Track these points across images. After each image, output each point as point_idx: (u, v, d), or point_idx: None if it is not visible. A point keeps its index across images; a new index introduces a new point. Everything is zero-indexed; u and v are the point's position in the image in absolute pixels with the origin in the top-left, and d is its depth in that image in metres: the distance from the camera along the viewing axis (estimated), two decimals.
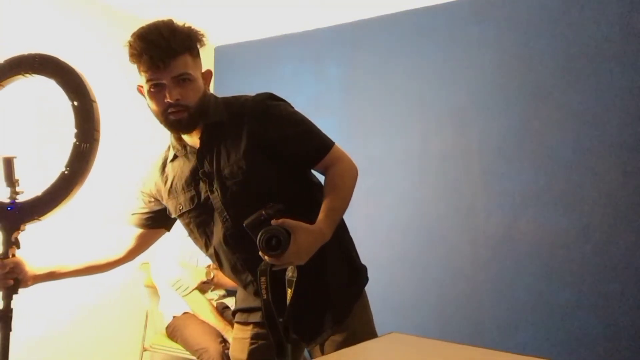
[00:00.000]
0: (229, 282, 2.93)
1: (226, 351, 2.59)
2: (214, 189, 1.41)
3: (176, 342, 2.72)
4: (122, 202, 2.88)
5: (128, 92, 2.97)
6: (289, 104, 1.48)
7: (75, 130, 1.50)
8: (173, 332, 2.72)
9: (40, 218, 1.53)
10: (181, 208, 1.48)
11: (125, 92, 2.96)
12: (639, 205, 2.25)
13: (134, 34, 1.36)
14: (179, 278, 2.69)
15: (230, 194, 1.40)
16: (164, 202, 1.55)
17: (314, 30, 3.14)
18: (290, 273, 1.28)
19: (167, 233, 2.92)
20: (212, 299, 2.83)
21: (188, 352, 2.64)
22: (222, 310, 2.83)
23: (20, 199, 1.53)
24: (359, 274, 1.54)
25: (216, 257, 1.49)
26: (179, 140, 1.50)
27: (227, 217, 1.41)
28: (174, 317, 2.74)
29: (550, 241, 2.42)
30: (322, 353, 1.43)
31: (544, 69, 2.49)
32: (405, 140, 2.80)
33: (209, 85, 1.44)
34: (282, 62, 3.26)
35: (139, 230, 1.64)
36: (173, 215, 1.54)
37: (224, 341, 2.62)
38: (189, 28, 1.40)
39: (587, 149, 2.37)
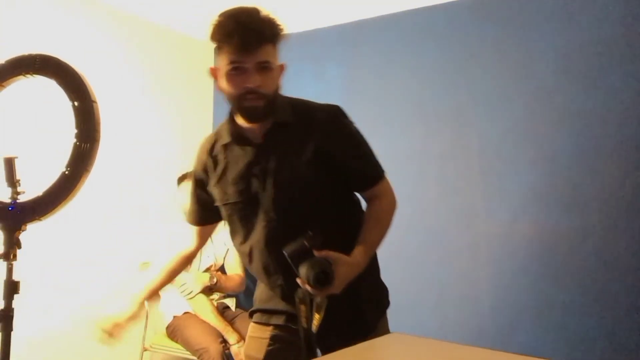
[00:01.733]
0: (231, 287, 2.93)
1: (226, 351, 2.59)
2: (267, 188, 1.41)
3: (176, 342, 2.72)
4: (122, 202, 2.89)
5: (128, 92, 2.97)
6: (354, 123, 1.51)
7: (75, 131, 1.50)
8: (173, 332, 2.72)
9: (41, 218, 1.53)
10: (227, 199, 1.46)
11: (125, 92, 2.96)
12: (639, 205, 2.25)
13: (224, 14, 1.35)
14: (184, 282, 2.70)
15: (283, 196, 1.40)
16: (210, 188, 1.52)
17: (314, 30, 3.14)
18: (319, 298, 1.29)
19: (169, 232, 2.94)
20: (213, 299, 2.83)
21: (188, 352, 2.65)
22: (222, 310, 2.83)
23: (21, 199, 1.53)
24: (384, 292, 1.58)
25: (249, 254, 1.48)
26: (237, 128, 1.45)
27: (274, 218, 1.41)
28: (174, 317, 2.74)
29: (550, 241, 2.42)
30: None
31: (544, 69, 2.49)
32: (406, 140, 2.80)
33: (280, 80, 1.44)
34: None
35: (198, 227, 1.66)
36: (217, 204, 1.51)
37: (224, 341, 2.62)
38: (276, 19, 1.39)
39: (587, 149, 2.37)
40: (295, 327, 1.43)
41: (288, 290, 1.37)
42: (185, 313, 2.72)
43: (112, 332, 1.56)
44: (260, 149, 1.42)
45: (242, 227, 1.47)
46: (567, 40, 2.44)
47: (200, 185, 1.55)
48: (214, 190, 1.50)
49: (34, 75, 1.57)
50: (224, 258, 3.00)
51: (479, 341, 2.51)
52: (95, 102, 1.53)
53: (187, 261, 1.78)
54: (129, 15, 2.98)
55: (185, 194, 2.89)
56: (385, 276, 3.06)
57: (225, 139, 1.47)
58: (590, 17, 2.39)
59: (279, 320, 1.50)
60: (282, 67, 1.44)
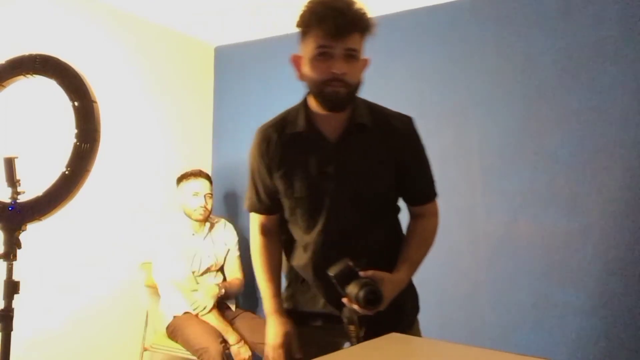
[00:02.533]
0: (234, 293, 2.95)
1: (227, 351, 2.59)
2: (339, 188, 1.40)
3: (176, 342, 2.72)
4: (122, 202, 2.89)
5: (128, 93, 2.98)
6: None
7: (75, 131, 1.50)
8: (173, 332, 2.72)
9: (41, 218, 1.53)
10: (294, 193, 1.44)
11: (125, 93, 2.96)
12: (639, 206, 2.25)
13: (316, 0, 1.34)
14: (196, 299, 2.70)
15: (353, 199, 1.41)
16: (273, 177, 1.47)
17: None
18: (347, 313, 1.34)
19: (174, 231, 2.94)
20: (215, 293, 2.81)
21: (188, 352, 2.64)
22: (222, 310, 2.83)
23: (22, 199, 1.53)
24: (417, 296, 1.59)
25: (304, 248, 1.47)
26: (310, 121, 1.43)
27: (337, 218, 1.42)
28: (174, 317, 2.74)
29: (550, 241, 2.42)
30: None
31: (544, 69, 2.49)
32: None
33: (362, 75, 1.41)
34: (282, 62, 3.25)
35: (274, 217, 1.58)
36: (280, 196, 1.48)
37: (224, 341, 2.62)
38: (368, 12, 1.36)
39: (587, 149, 2.37)
40: (331, 328, 1.46)
41: (333, 293, 1.36)
42: (185, 313, 2.72)
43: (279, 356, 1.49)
44: (335, 147, 1.41)
45: (305, 221, 1.45)
46: (567, 40, 2.43)
47: (268, 174, 1.48)
48: (277, 181, 1.46)
49: (34, 75, 1.57)
50: (225, 258, 3.00)
51: (479, 341, 2.52)
52: (95, 102, 1.53)
53: (280, 250, 1.61)
54: (129, 15, 2.98)
55: (184, 193, 2.90)
56: None
57: (299, 127, 1.44)
58: (590, 17, 2.39)
59: (316, 321, 1.51)
60: (365, 62, 1.41)
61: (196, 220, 2.88)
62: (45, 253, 2.51)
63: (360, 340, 1.30)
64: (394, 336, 1.23)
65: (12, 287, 1.50)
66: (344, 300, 1.30)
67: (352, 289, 1.26)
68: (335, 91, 1.32)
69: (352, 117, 1.41)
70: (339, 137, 1.41)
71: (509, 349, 1.37)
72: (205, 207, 2.85)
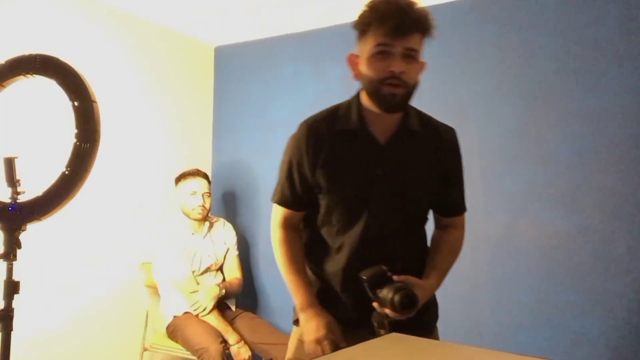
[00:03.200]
0: (234, 293, 2.95)
1: (226, 351, 2.59)
2: (384, 191, 1.39)
3: (176, 342, 2.72)
4: (122, 202, 2.89)
5: (128, 93, 2.97)
6: None
7: (75, 131, 1.50)
8: (173, 332, 2.73)
9: (41, 218, 1.53)
10: (336, 190, 1.41)
11: (125, 93, 2.96)
12: (639, 205, 2.25)
13: None
14: (196, 300, 2.70)
15: (398, 204, 1.41)
16: (316, 173, 1.42)
17: (314, 30, 3.14)
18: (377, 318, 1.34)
19: (174, 231, 2.94)
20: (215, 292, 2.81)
21: (188, 352, 2.65)
22: (222, 310, 2.83)
23: (22, 199, 1.54)
24: (436, 300, 1.58)
25: (338, 248, 1.44)
26: (362, 119, 1.41)
27: (379, 222, 1.40)
28: (174, 316, 2.75)
29: (550, 241, 2.42)
30: None
31: (544, 69, 2.49)
32: None
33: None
34: (282, 62, 3.26)
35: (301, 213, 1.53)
36: (320, 191, 1.44)
37: (224, 341, 2.62)
38: (430, 13, 1.35)
39: (587, 149, 2.37)
40: (353, 333, 1.41)
41: (361, 298, 1.34)
42: (185, 313, 2.72)
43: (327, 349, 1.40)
44: (384, 149, 1.39)
45: (341, 220, 1.42)
46: (567, 40, 2.43)
47: (311, 169, 1.43)
48: (320, 177, 1.42)
49: (34, 75, 1.57)
50: (224, 257, 3.01)
51: (479, 341, 2.52)
52: (95, 102, 1.53)
53: (301, 243, 1.55)
54: (129, 15, 2.98)
55: (182, 193, 2.90)
56: None
57: (350, 125, 1.41)
58: (590, 17, 2.39)
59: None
60: (423, 65, 1.38)
61: (195, 220, 2.88)
62: (45, 253, 2.51)
63: None
64: (394, 336, 1.23)
65: (12, 287, 1.50)
66: (375, 304, 1.29)
67: (386, 293, 1.26)
68: (392, 92, 1.30)
69: (404, 121, 1.40)
70: (388, 139, 1.40)
71: (509, 349, 1.37)
72: (203, 206, 2.85)
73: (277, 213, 1.53)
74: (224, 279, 2.97)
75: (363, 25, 1.35)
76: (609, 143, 2.33)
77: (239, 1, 2.82)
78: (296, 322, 1.58)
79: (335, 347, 1.38)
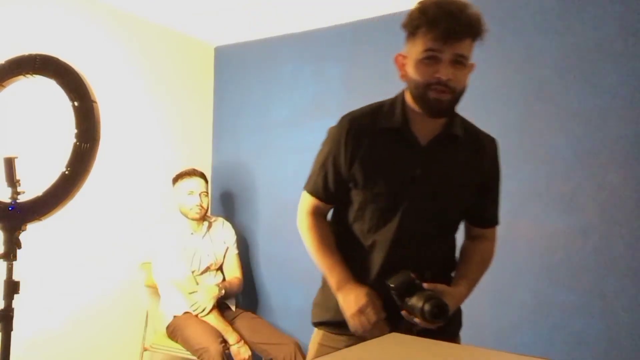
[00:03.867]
0: (234, 292, 2.95)
1: (226, 351, 2.59)
2: (421, 193, 1.38)
3: (176, 342, 2.72)
4: (122, 202, 2.89)
5: (128, 93, 2.97)
6: None
7: (75, 131, 1.50)
8: (173, 332, 2.73)
9: (41, 218, 1.53)
10: (372, 187, 1.39)
11: (125, 93, 2.96)
12: (639, 205, 2.25)
13: (428, 1, 1.30)
14: (196, 300, 2.70)
15: (433, 208, 1.40)
16: (353, 167, 1.41)
17: (314, 30, 3.14)
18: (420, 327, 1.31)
19: (173, 231, 2.94)
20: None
21: (188, 352, 2.65)
22: (222, 310, 2.83)
23: (22, 199, 1.53)
24: (460, 309, 1.56)
25: (369, 247, 1.42)
26: (405, 119, 1.39)
27: (413, 223, 1.38)
28: (174, 316, 2.75)
29: (550, 241, 2.42)
30: None
31: (544, 69, 2.49)
32: None
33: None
34: (282, 62, 3.26)
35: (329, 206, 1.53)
36: (355, 187, 1.43)
37: (224, 341, 2.62)
38: (481, 16, 1.30)
39: (587, 149, 2.37)
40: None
41: (389, 301, 1.33)
42: (185, 313, 2.72)
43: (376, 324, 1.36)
44: (425, 151, 1.38)
45: (374, 218, 1.41)
46: (567, 40, 2.43)
47: (347, 163, 1.42)
48: (358, 172, 1.41)
49: (34, 75, 1.57)
50: (224, 256, 3.01)
51: (479, 341, 2.51)
52: (95, 102, 1.53)
53: (329, 227, 1.54)
54: (129, 15, 2.98)
55: (179, 193, 2.90)
56: None
57: (393, 124, 1.40)
58: (590, 17, 2.39)
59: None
60: (472, 67, 1.36)
61: (193, 219, 2.88)
62: (45, 253, 2.51)
63: None
64: (394, 336, 1.23)
65: (12, 287, 1.50)
66: (403, 313, 1.27)
67: (415, 301, 1.23)
68: (438, 98, 1.29)
69: (448, 125, 1.39)
70: (430, 141, 1.39)
71: (509, 349, 1.37)
72: (200, 205, 2.85)
73: (306, 201, 1.52)
74: (224, 279, 2.97)
75: (412, 28, 1.32)
76: (609, 143, 2.32)
77: (239, 1, 2.82)
78: (317, 324, 1.53)
79: (378, 316, 1.33)
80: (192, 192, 2.86)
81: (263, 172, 3.28)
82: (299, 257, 3.14)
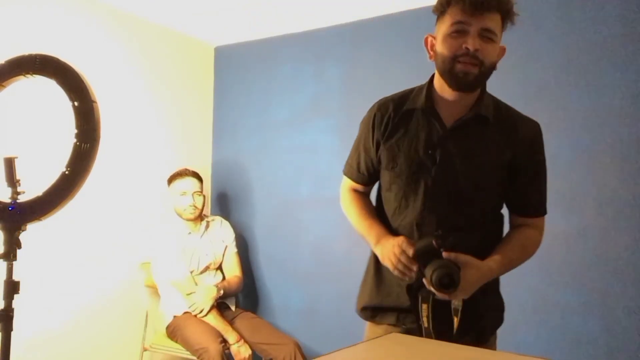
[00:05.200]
0: (233, 291, 2.94)
1: (226, 351, 2.59)
2: (442, 174, 1.36)
3: (176, 342, 2.72)
4: (122, 202, 2.89)
5: (128, 92, 2.97)
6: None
7: (75, 131, 1.50)
8: (173, 332, 2.73)
9: (41, 218, 1.52)
10: (393, 166, 1.41)
11: (125, 92, 2.96)
12: (639, 205, 2.25)
13: None
14: (194, 301, 2.70)
15: (455, 189, 1.36)
16: (380, 149, 1.45)
17: (314, 30, 3.15)
18: (456, 302, 1.28)
19: (170, 231, 2.94)
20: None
21: (188, 352, 2.65)
22: (222, 310, 2.83)
23: (22, 199, 1.53)
24: (502, 308, 1.53)
25: (395, 231, 1.43)
26: (430, 100, 1.40)
27: (434, 205, 1.37)
28: (174, 317, 2.75)
29: (549, 241, 2.41)
30: None
31: (544, 69, 2.49)
32: None
33: (497, 62, 1.37)
34: (282, 62, 3.26)
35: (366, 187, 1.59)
36: (381, 166, 1.46)
37: (224, 341, 2.62)
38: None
39: (587, 149, 2.37)
40: (406, 326, 1.40)
41: (415, 283, 1.31)
42: (185, 313, 2.72)
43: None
44: (449, 132, 1.37)
45: (398, 199, 1.42)
46: (567, 40, 2.43)
47: (375, 145, 1.47)
48: (383, 152, 1.44)
49: (34, 75, 1.57)
50: (223, 255, 3.00)
51: None
52: (95, 102, 1.52)
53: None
54: (129, 15, 2.98)
55: (173, 194, 2.90)
56: None
57: (417, 105, 1.41)
58: (590, 17, 2.39)
59: (391, 319, 1.44)
60: (503, 49, 1.36)
61: (188, 220, 2.87)
62: (45, 253, 2.51)
63: (429, 322, 1.26)
64: (394, 336, 1.23)
65: (12, 287, 1.49)
66: (424, 280, 1.25)
67: (429, 268, 1.22)
68: (465, 70, 1.28)
69: (475, 106, 1.37)
70: (455, 122, 1.37)
71: (509, 349, 1.37)
72: (194, 205, 2.85)
73: (344, 183, 1.62)
74: (224, 278, 2.97)
75: (441, 6, 1.33)
76: (609, 143, 2.33)
77: (239, 1, 2.82)
78: (359, 312, 1.55)
79: (410, 261, 1.30)
80: (185, 192, 2.85)
81: (263, 172, 3.28)
82: (299, 257, 3.15)
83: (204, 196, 2.95)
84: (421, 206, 1.38)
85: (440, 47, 1.33)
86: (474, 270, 1.26)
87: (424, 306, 1.27)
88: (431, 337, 1.25)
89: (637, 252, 2.23)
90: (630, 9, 2.30)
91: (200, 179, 2.95)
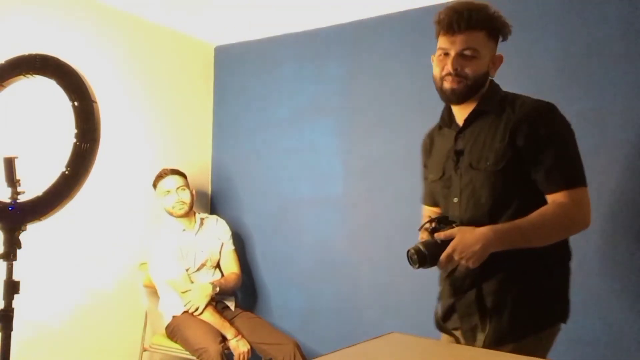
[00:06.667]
0: (231, 288, 2.94)
1: (226, 351, 2.59)
2: (458, 170, 1.51)
3: (176, 342, 2.72)
4: (122, 202, 2.89)
5: (128, 92, 2.98)
6: (567, 125, 1.50)
7: (75, 131, 1.50)
8: (173, 332, 2.73)
9: (41, 218, 1.53)
10: (430, 176, 1.62)
11: (125, 92, 2.97)
12: (639, 205, 2.25)
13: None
14: (189, 299, 2.70)
15: (467, 181, 1.48)
16: (427, 165, 1.66)
17: (314, 30, 3.14)
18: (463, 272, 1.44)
19: (164, 230, 2.93)
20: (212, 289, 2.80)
21: (188, 352, 2.65)
22: (221, 310, 2.83)
23: (21, 199, 1.53)
24: (550, 306, 1.50)
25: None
26: (449, 113, 1.58)
27: (460, 200, 1.49)
28: (173, 317, 2.74)
29: None
30: None
31: (544, 69, 2.49)
32: (406, 141, 2.80)
33: (495, 70, 1.55)
34: (282, 62, 3.26)
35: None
36: (427, 181, 1.66)
37: (224, 341, 2.62)
38: (496, 13, 1.48)
39: (587, 149, 2.36)
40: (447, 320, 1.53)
41: (454, 285, 1.51)
42: (184, 313, 2.72)
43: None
44: (459, 132, 1.53)
45: (443, 205, 1.57)
46: (567, 40, 2.43)
47: (425, 167, 1.69)
48: (427, 168, 1.66)
49: (34, 75, 1.57)
50: (220, 252, 3.00)
51: None
52: (95, 102, 1.53)
53: None
54: (129, 15, 2.98)
55: (159, 195, 2.89)
56: (385, 276, 3.06)
57: (442, 121, 1.62)
58: (590, 17, 2.39)
59: (454, 323, 1.52)
60: (499, 58, 1.53)
61: (180, 217, 2.87)
62: (45, 253, 2.51)
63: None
64: (394, 336, 1.23)
65: (12, 287, 1.50)
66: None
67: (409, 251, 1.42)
68: (450, 87, 1.46)
69: (477, 104, 1.51)
70: (464, 121, 1.53)
71: None
72: (180, 201, 2.84)
73: (423, 212, 1.76)
74: (222, 276, 2.97)
75: (436, 33, 1.52)
76: (609, 143, 2.32)
77: (239, 1, 2.82)
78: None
79: None
80: (169, 191, 2.85)
81: (263, 172, 3.28)
82: (298, 257, 3.15)
83: (191, 190, 2.94)
84: (454, 206, 1.51)
85: (433, 70, 1.53)
86: (467, 233, 1.35)
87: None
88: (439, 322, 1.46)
89: (637, 252, 2.23)
90: (630, 9, 2.30)
91: (182, 175, 2.93)
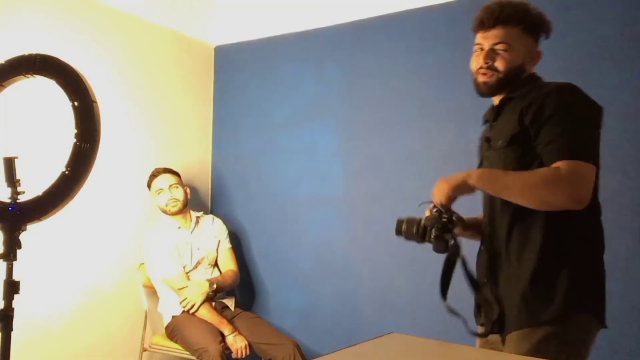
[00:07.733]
0: (228, 285, 2.94)
1: (226, 351, 2.59)
2: (486, 155, 1.62)
3: (176, 342, 2.72)
4: (122, 202, 2.89)
5: (128, 92, 2.98)
6: (582, 102, 1.48)
7: (75, 131, 1.50)
8: (172, 332, 2.72)
9: (41, 218, 1.53)
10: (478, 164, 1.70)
11: (125, 92, 2.97)
12: (639, 206, 2.25)
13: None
14: (185, 296, 2.70)
15: (488, 161, 1.60)
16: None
17: (314, 30, 3.14)
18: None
19: (160, 228, 2.93)
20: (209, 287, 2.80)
21: (187, 352, 2.64)
22: (221, 310, 2.83)
23: (21, 199, 1.53)
24: (576, 288, 1.42)
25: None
26: (493, 105, 1.64)
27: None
28: (173, 317, 2.75)
29: None
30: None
31: (543, 68, 2.48)
32: (406, 141, 2.80)
33: (532, 65, 1.59)
34: (282, 62, 3.26)
35: None
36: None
37: (224, 341, 2.62)
38: (534, 10, 1.53)
39: None
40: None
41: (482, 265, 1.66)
42: (183, 312, 2.72)
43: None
44: (493, 121, 1.61)
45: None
46: (567, 40, 2.43)
47: None
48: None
49: (34, 75, 1.57)
50: (217, 250, 3.00)
51: None
52: (95, 102, 1.53)
53: None
54: (129, 15, 2.98)
55: (153, 195, 2.89)
56: (385, 276, 3.06)
57: (487, 114, 1.69)
58: (590, 17, 2.39)
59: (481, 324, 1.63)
60: (537, 54, 1.57)
61: (174, 214, 2.87)
62: (45, 253, 2.51)
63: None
64: (394, 336, 1.23)
65: (12, 287, 1.50)
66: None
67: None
68: (483, 81, 1.55)
69: (506, 93, 1.57)
70: (495, 112, 1.61)
71: None
72: (174, 198, 2.85)
73: None
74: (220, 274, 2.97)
75: (473, 29, 1.60)
76: (609, 143, 2.32)
77: (239, 1, 2.82)
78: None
79: None
80: (162, 189, 2.86)
81: (263, 172, 3.28)
82: (298, 257, 3.14)
83: (185, 188, 2.94)
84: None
85: (470, 64, 1.61)
86: (439, 181, 1.58)
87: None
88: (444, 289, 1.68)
89: (637, 252, 2.23)
90: (630, 9, 2.30)
91: (174, 173, 2.94)
